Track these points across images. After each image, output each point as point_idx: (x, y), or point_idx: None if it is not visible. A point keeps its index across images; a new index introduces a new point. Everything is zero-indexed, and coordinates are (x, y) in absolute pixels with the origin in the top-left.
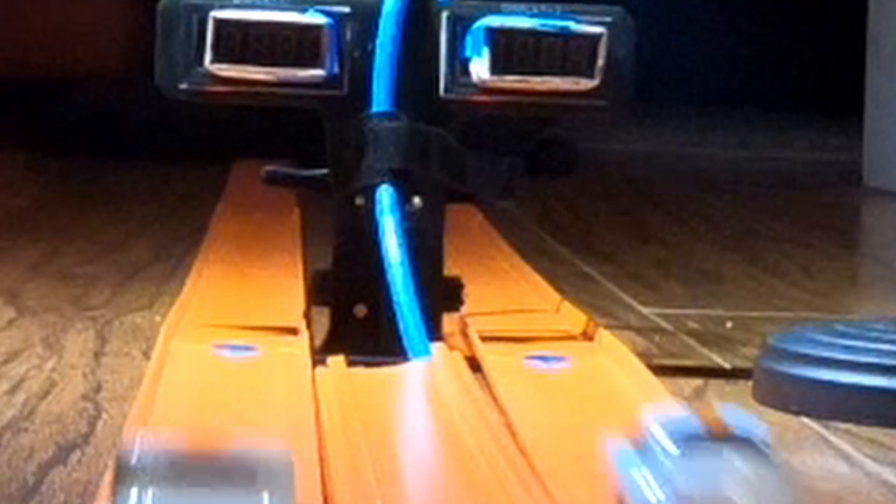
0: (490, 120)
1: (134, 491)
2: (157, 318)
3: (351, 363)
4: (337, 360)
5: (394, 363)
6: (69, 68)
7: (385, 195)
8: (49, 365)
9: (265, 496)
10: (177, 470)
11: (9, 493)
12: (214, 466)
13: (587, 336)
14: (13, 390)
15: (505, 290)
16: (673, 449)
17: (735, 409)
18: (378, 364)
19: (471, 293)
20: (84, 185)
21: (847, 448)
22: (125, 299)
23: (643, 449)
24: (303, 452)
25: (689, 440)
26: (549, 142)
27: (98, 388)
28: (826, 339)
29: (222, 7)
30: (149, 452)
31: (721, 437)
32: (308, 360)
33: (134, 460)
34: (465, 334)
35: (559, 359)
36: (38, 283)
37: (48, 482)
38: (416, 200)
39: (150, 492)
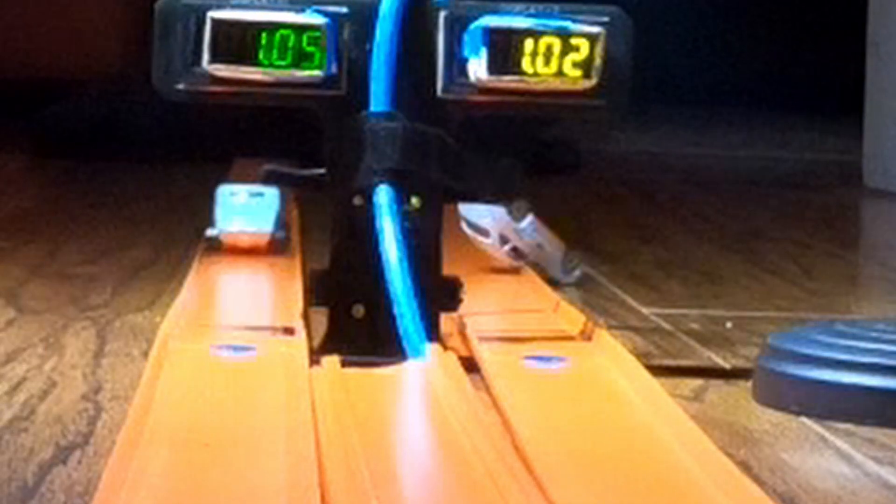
0: (490, 120)
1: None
2: (158, 319)
3: (347, 363)
4: (331, 361)
5: (389, 363)
6: (69, 69)
7: (383, 195)
8: (49, 365)
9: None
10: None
11: (9, 493)
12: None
13: (585, 336)
14: (13, 390)
15: (503, 290)
16: None
17: None
18: (373, 364)
19: (469, 293)
20: (84, 185)
21: (847, 448)
22: (125, 299)
23: None
24: (300, 452)
25: None
26: (551, 142)
27: (98, 388)
28: (826, 339)
29: (220, 7)
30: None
31: None
32: (306, 361)
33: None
34: (463, 334)
35: (557, 359)
36: (38, 283)
37: (48, 482)
38: (414, 200)
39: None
